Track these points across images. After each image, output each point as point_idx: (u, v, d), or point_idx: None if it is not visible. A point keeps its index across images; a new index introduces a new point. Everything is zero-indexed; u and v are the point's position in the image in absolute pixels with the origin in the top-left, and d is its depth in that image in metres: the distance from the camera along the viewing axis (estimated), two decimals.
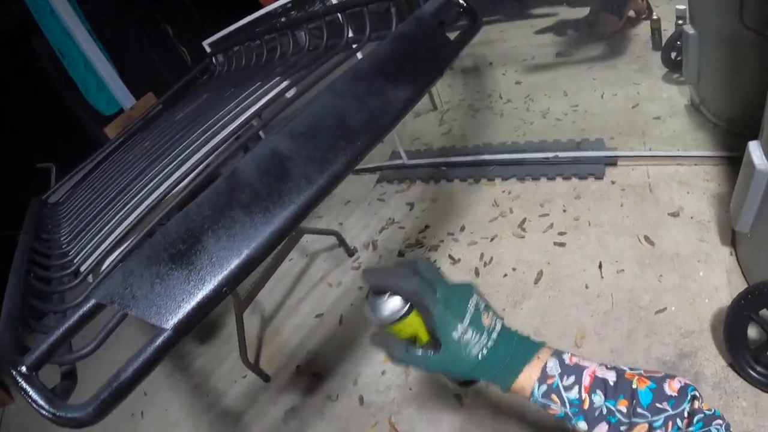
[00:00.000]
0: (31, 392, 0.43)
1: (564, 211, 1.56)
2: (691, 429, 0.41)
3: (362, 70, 0.65)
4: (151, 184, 0.92)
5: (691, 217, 1.36)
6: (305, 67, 1.11)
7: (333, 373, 1.45)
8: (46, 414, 0.43)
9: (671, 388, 0.42)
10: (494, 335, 0.47)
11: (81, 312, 0.47)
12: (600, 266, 1.34)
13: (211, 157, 0.89)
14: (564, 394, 0.44)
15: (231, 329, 1.73)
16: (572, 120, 1.94)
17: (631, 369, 0.45)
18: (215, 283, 0.46)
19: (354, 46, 1.07)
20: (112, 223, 0.89)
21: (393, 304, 0.48)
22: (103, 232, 0.88)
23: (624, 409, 0.42)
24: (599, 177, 1.64)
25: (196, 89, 1.61)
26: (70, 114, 2.81)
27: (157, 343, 0.44)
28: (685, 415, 0.41)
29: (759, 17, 1.20)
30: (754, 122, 1.20)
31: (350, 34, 1.09)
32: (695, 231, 1.32)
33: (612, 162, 1.66)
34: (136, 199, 0.91)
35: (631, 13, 2.17)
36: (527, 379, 0.46)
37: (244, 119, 0.99)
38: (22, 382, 0.44)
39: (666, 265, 1.28)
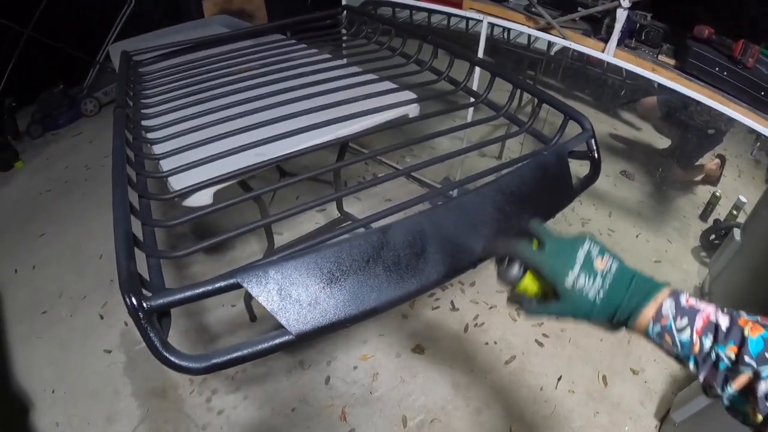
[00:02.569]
0: (152, 335, 0.48)
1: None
2: None
3: (506, 186, 0.72)
4: (265, 131, 0.95)
5: (645, 382, 1.54)
6: (436, 98, 1.19)
7: (313, 345, 1.56)
8: (159, 356, 0.47)
9: None
10: (609, 278, 0.49)
11: (219, 285, 0.51)
12: (559, 379, 1.52)
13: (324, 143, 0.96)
14: (676, 336, 0.45)
15: (238, 254, 1.81)
16: (604, 242, 2.07)
17: (747, 315, 0.44)
18: (342, 317, 0.53)
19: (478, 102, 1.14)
20: (212, 146, 0.92)
21: (510, 268, 0.57)
22: (200, 151, 0.91)
23: (732, 356, 0.42)
24: None
25: (318, 34, 1.63)
26: None
27: (279, 341, 0.52)
28: None
29: None
30: None
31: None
32: (641, 393, 1.51)
33: None
34: (243, 137, 0.95)
35: (700, 177, 2.27)
36: (644, 318, 0.47)
37: (369, 126, 1.07)
38: (145, 322, 0.48)
39: (605, 407, 1.46)
